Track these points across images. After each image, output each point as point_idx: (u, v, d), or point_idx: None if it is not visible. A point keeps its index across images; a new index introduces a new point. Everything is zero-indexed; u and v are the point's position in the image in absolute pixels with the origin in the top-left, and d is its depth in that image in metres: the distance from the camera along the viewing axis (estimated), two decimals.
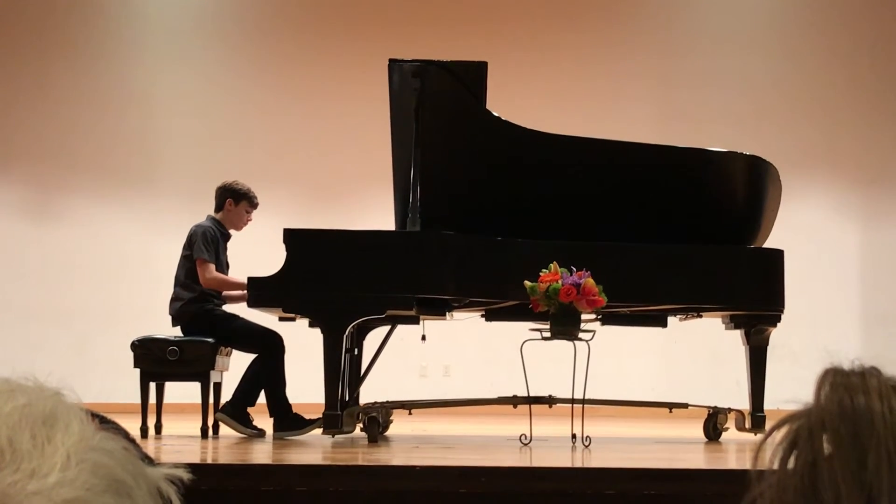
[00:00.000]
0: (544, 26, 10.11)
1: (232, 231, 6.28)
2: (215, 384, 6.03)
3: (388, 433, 5.99)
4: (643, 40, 10.11)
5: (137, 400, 5.81)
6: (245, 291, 5.59)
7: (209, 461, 4.47)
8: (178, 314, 6.05)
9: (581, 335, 5.20)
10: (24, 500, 0.67)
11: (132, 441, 0.79)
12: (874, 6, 10.04)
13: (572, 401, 5.15)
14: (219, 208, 6.25)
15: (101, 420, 0.79)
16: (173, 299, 6.10)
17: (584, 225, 5.76)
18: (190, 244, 6.09)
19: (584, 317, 5.27)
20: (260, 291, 5.31)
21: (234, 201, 6.21)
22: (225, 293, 6.11)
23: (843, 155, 9.93)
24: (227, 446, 5.27)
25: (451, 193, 5.80)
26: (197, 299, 6.02)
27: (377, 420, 5.44)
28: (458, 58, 5.90)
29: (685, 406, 6.10)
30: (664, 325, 6.24)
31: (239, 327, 6.01)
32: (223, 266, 6.17)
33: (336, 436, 5.39)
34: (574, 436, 5.17)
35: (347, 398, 5.86)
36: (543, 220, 5.79)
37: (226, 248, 6.25)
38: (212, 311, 6.04)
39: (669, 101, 10.01)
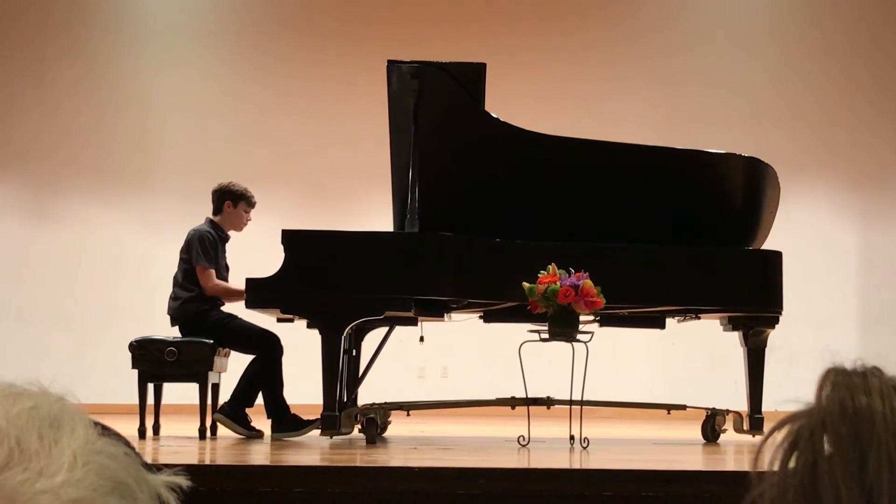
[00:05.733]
0: (543, 28, 10.11)
1: (232, 232, 6.28)
2: (213, 385, 6.03)
3: (386, 434, 5.99)
4: (641, 42, 10.12)
5: (136, 401, 5.80)
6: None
7: (207, 462, 4.48)
8: (177, 312, 6.05)
9: (579, 336, 5.20)
10: (33, 498, 0.68)
11: (132, 448, 0.80)
12: (872, 9, 10.05)
13: (570, 402, 5.15)
14: (217, 211, 6.24)
15: (102, 428, 0.80)
16: (172, 298, 6.11)
17: (582, 226, 5.76)
18: (188, 249, 6.08)
19: (582, 318, 5.27)
20: (258, 292, 5.31)
21: (233, 203, 6.20)
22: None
23: (841, 156, 9.94)
24: (225, 447, 5.27)
25: (450, 194, 5.80)
26: (195, 298, 6.02)
27: (375, 421, 5.44)
28: (456, 59, 5.90)
29: (683, 407, 6.11)
30: (662, 326, 6.24)
31: (237, 328, 6.00)
32: (222, 269, 6.16)
33: (334, 437, 5.39)
34: (572, 437, 5.17)
35: (346, 399, 5.86)
36: (541, 221, 5.79)
37: (224, 251, 6.24)
38: (210, 311, 6.03)
39: (668, 103, 10.01)
